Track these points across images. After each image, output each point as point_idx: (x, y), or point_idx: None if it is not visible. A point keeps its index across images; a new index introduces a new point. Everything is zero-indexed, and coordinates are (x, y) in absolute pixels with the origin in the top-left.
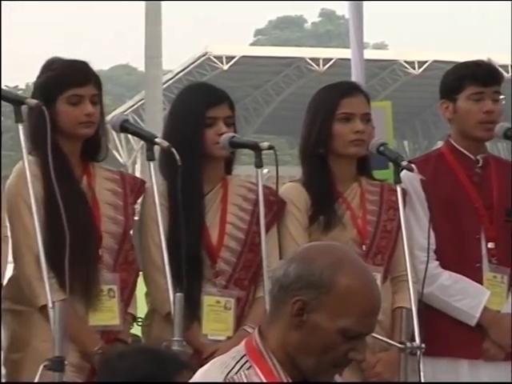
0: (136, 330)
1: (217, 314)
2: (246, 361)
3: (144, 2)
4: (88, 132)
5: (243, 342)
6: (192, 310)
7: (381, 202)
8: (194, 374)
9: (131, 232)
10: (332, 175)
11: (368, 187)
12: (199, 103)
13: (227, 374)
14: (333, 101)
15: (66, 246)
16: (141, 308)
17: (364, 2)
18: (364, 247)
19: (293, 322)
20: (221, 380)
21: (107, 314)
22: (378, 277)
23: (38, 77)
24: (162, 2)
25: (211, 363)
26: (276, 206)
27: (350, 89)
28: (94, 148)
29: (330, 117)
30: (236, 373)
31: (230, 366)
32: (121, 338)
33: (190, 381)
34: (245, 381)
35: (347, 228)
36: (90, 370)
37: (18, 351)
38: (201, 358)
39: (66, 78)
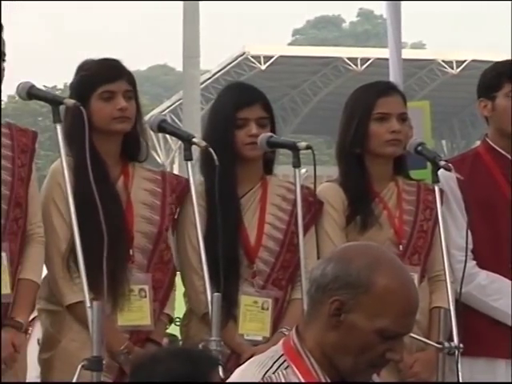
0: (174, 329)
1: (253, 314)
2: (284, 360)
3: (182, 1)
4: (123, 127)
5: (281, 342)
6: (229, 310)
7: (417, 201)
8: (226, 370)
9: (168, 232)
10: (369, 175)
11: (405, 187)
12: (229, 104)
13: (265, 374)
14: (369, 100)
15: (94, 246)
16: (180, 308)
17: (402, 2)
18: (401, 247)
19: (330, 322)
20: (259, 379)
21: (137, 314)
22: (415, 277)
23: (73, 79)
24: (200, 1)
25: (249, 363)
26: (315, 207)
27: (386, 88)
28: (133, 147)
29: (366, 116)
30: (274, 372)
31: (267, 366)
32: (152, 338)
33: (228, 380)
34: (283, 380)
35: (384, 228)
36: (119, 369)
37: (49, 350)
38: (237, 358)
39: (97, 75)
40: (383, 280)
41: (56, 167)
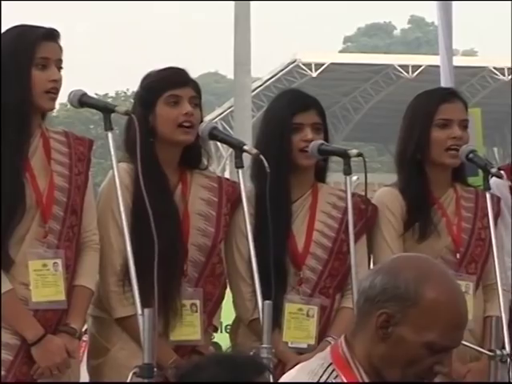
0: (224, 336)
1: (298, 321)
2: (333, 369)
3: (233, 10)
4: (187, 139)
5: (329, 349)
6: (274, 318)
7: (476, 208)
8: (274, 377)
9: (221, 244)
10: (428, 181)
11: (463, 193)
12: (286, 109)
13: (317, 382)
14: (431, 107)
15: (149, 259)
16: (229, 315)
17: (453, 9)
18: (458, 255)
19: (378, 334)
20: None
21: (188, 329)
22: (471, 286)
23: (137, 91)
24: (251, 9)
25: (297, 369)
26: (366, 215)
27: (447, 94)
28: (193, 156)
29: (427, 123)
30: (325, 381)
31: (318, 374)
32: (197, 349)
33: None
34: None
35: (442, 236)
36: (164, 377)
37: (97, 357)
38: (283, 366)
39: (163, 80)
40: (431, 293)
41: (118, 174)
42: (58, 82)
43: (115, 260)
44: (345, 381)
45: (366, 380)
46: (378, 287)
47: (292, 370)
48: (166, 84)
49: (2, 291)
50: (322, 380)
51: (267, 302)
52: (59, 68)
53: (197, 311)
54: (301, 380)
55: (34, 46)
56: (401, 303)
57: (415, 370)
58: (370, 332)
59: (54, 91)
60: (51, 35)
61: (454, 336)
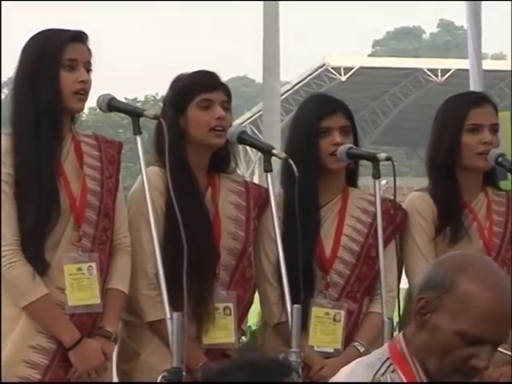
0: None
1: (325, 325)
2: (390, 364)
3: (262, 14)
4: (219, 142)
5: (387, 344)
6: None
7: (507, 212)
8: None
9: (250, 248)
10: (459, 186)
11: (494, 198)
12: (313, 113)
13: (375, 375)
14: (461, 111)
15: (184, 262)
16: (254, 318)
17: (482, 13)
18: None
19: (417, 320)
20: (370, 379)
21: (222, 332)
22: None
23: (167, 94)
24: (280, 14)
25: (356, 363)
26: (396, 221)
27: (478, 99)
28: (222, 160)
29: (458, 128)
30: (382, 374)
31: (376, 367)
32: (227, 353)
33: (335, 380)
34: None
35: (473, 240)
36: (193, 380)
37: (128, 362)
38: (308, 370)
39: (195, 84)
40: (466, 282)
41: (150, 178)
42: (86, 83)
43: (147, 264)
44: (401, 375)
45: (423, 375)
46: (425, 278)
47: (349, 364)
48: (198, 87)
49: (39, 295)
50: (379, 373)
51: (296, 305)
52: (88, 70)
53: (230, 314)
54: (359, 372)
55: (61, 48)
56: (438, 290)
57: (450, 361)
58: (415, 322)
59: (83, 92)
60: (78, 37)
61: (486, 327)
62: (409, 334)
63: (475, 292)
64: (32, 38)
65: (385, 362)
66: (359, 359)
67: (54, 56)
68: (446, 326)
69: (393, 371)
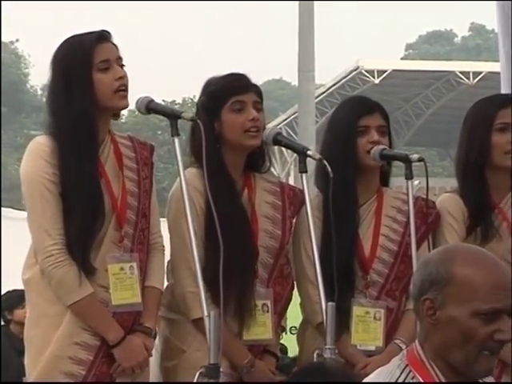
0: (290, 338)
1: (366, 324)
2: (410, 370)
3: (297, 16)
4: (255, 143)
5: (404, 352)
6: (342, 321)
7: None
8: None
9: (287, 246)
10: (488, 186)
11: None
12: (352, 113)
13: (396, 382)
14: (490, 112)
15: (220, 261)
16: (296, 317)
17: None
18: None
19: (429, 322)
20: None
21: (261, 329)
22: None
23: (200, 97)
24: (315, 18)
25: (376, 373)
26: (429, 219)
27: (506, 100)
28: (258, 159)
29: (488, 128)
30: (403, 382)
31: (396, 375)
32: (269, 349)
33: None
34: None
35: (504, 239)
36: (239, 378)
37: (172, 359)
38: (352, 368)
39: (227, 87)
40: (461, 268)
41: (189, 179)
42: (124, 79)
43: (191, 262)
44: (421, 380)
45: (442, 379)
46: (416, 283)
47: (371, 375)
48: (230, 90)
49: (85, 294)
50: (400, 380)
51: (330, 303)
52: (121, 66)
53: (268, 311)
54: (380, 381)
55: (90, 51)
56: (437, 286)
57: (475, 344)
58: (425, 326)
59: (123, 88)
60: (104, 37)
61: (497, 298)
62: (422, 338)
63: (474, 273)
64: (60, 47)
65: (404, 368)
66: (379, 369)
67: (85, 60)
68: (459, 314)
69: (413, 377)
